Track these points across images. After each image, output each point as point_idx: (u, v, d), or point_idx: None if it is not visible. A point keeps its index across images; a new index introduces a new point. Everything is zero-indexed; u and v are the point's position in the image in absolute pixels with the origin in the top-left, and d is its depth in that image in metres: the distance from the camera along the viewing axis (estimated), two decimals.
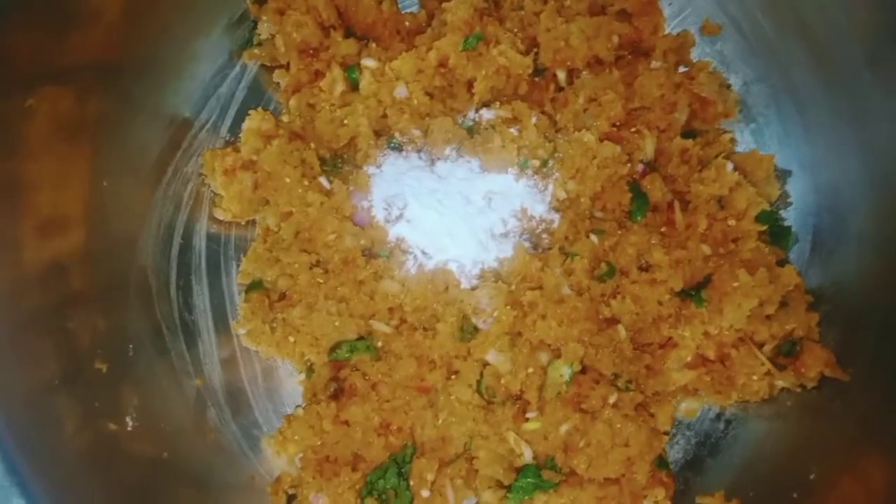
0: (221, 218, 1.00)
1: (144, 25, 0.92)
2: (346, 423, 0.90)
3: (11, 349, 0.69)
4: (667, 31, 1.10)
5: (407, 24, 1.07)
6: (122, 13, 0.89)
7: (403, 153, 1.01)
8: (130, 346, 0.86)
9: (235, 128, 1.03)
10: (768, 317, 0.96)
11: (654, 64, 1.07)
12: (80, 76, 0.86)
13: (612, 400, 0.90)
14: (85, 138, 0.88)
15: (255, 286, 0.96)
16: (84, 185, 0.87)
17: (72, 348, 0.77)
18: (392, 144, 1.01)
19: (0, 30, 0.75)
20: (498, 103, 1.03)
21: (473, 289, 0.93)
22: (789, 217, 1.05)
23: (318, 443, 0.90)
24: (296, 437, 0.90)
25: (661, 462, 0.93)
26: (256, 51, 1.04)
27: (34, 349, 0.72)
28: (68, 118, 0.85)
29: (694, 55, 1.10)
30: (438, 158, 1.00)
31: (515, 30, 1.04)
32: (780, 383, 0.96)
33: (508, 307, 0.91)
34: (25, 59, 0.79)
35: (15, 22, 0.77)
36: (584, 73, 1.06)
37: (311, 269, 0.94)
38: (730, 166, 1.00)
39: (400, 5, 1.09)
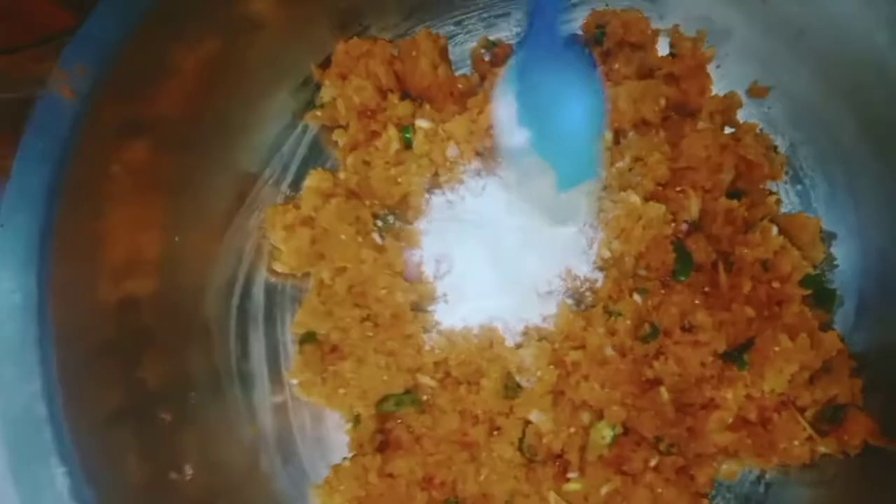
0: (280, 271, 1.05)
1: (217, 86, 0.98)
2: (391, 475, 0.93)
3: (90, 408, 0.74)
4: (714, 93, 1.12)
5: (460, 86, 1.11)
6: (198, 73, 0.95)
7: (453, 212, 1.04)
8: (192, 393, 0.91)
9: (296, 185, 1.09)
10: (811, 381, 0.96)
11: (701, 125, 1.09)
12: (158, 133, 0.92)
13: (653, 463, 0.91)
14: (160, 191, 0.93)
15: (308, 338, 1.00)
16: (158, 235, 0.93)
17: (140, 394, 0.82)
18: (442, 202, 1.05)
19: (94, 89, 0.82)
20: None
21: (517, 346, 0.96)
22: (834, 280, 1.06)
23: (363, 494, 0.93)
24: (341, 488, 0.93)
25: None
26: (318, 113, 1.10)
27: (108, 392, 0.77)
28: (146, 173, 0.91)
29: (740, 117, 1.12)
30: (486, 218, 1.03)
31: None
32: (822, 449, 0.96)
33: (552, 367, 0.93)
34: (108, 131, 0.85)
35: (106, 84, 0.84)
36: (630, 133, 1.08)
37: (362, 322, 0.98)
38: (775, 230, 1.01)
39: (453, 69, 1.13)
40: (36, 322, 0.71)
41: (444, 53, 1.10)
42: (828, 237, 1.07)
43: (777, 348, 0.93)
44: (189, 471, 0.82)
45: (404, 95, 1.10)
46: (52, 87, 0.78)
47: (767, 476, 1.01)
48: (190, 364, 0.93)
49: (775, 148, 1.11)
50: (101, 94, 0.82)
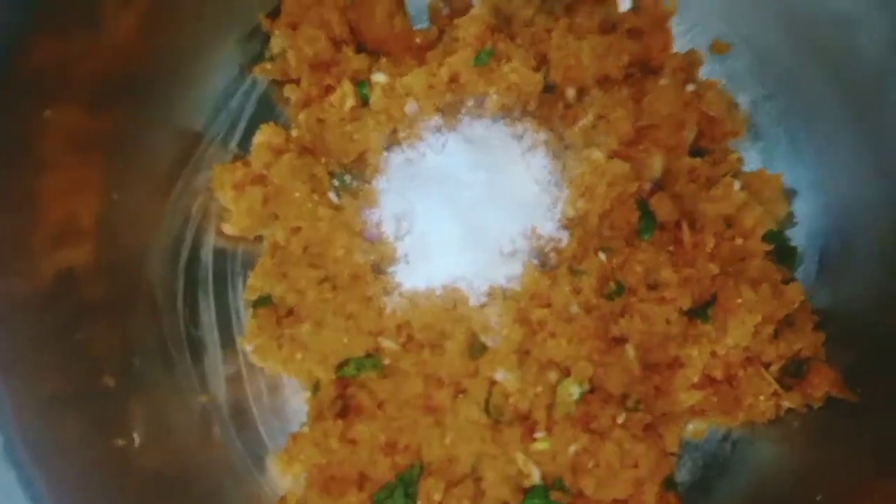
0: (230, 233, 0.99)
1: (156, 37, 0.92)
2: (353, 441, 0.90)
3: (24, 360, 0.69)
4: (676, 50, 1.11)
5: (418, 40, 1.07)
6: (135, 24, 0.89)
7: (413, 169, 1.00)
8: (137, 359, 0.85)
9: (245, 142, 1.03)
10: (775, 336, 0.96)
11: (663, 82, 1.07)
12: (93, 88, 0.85)
13: (620, 420, 0.89)
14: (96, 150, 0.87)
15: (262, 302, 0.95)
16: (95, 197, 0.87)
17: (81, 361, 0.77)
18: (401, 160, 1.01)
19: (17, 42, 0.75)
20: (509, 119, 1.03)
21: (482, 306, 0.93)
22: (797, 237, 1.06)
23: (324, 461, 0.89)
24: (301, 456, 0.89)
25: (669, 483, 0.92)
26: (268, 65, 1.04)
27: (46, 360, 0.72)
28: (80, 130, 0.85)
29: (702, 73, 1.11)
30: (448, 175, 0.99)
31: (526, 46, 1.04)
32: (786, 404, 0.96)
33: (517, 325, 0.91)
34: (41, 70, 0.78)
35: (32, 34, 0.77)
36: (593, 90, 1.06)
37: (319, 284, 0.93)
38: (737, 185, 1.01)
39: (411, 22, 1.09)
40: None
41: (400, 3, 1.05)
42: (790, 194, 1.07)
43: (739, 300, 0.93)
44: (137, 438, 0.77)
45: (360, 49, 1.05)
46: None
47: (733, 434, 1.01)
48: (134, 329, 0.88)
49: (737, 105, 1.10)
50: (28, 38, 0.75)
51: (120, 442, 0.76)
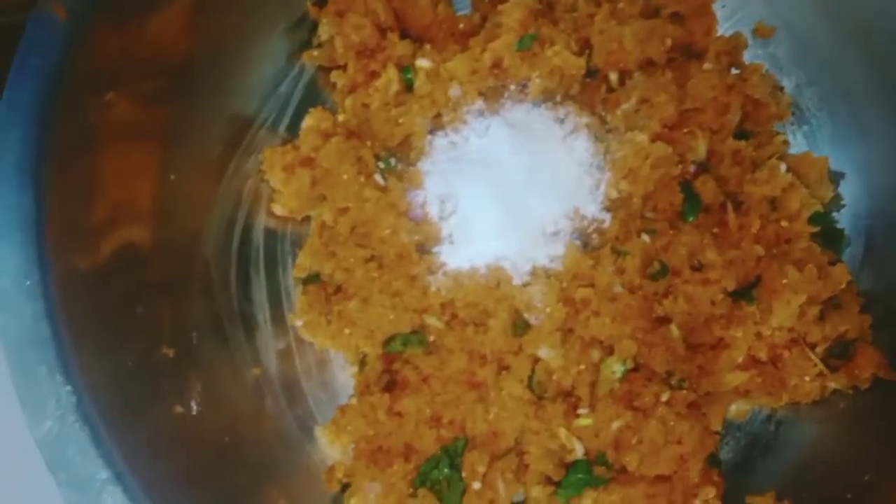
0: (279, 213, 1.02)
1: (207, 27, 0.96)
2: (399, 414, 0.92)
3: (90, 331, 0.72)
4: (719, 34, 1.11)
5: (461, 26, 1.09)
6: (186, 14, 0.92)
7: (457, 152, 1.02)
8: (194, 333, 0.88)
9: (293, 127, 1.06)
10: (821, 318, 0.95)
11: (707, 66, 1.07)
12: (149, 75, 0.89)
13: (664, 398, 0.90)
14: (153, 134, 0.91)
15: (311, 279, 0.98)
16: (153, 180, 0.91)
17: (141, 332, 0.80)
18: (445, 143, 1.03)
19: (79, 27, 0.79)
20: (551, 103, 1.04)
21: (525, 285, 0.94)
22: (842, 220, 1.05)
23: (371, 433, 0.91)
24: (349, 427, 0.92)
25: (713, 460, 0.92)
26: (315, 52, 1.07)
27: (110, 331, 0.75)
28: (139, 115, 0.89)
29: (746, 58, 1.10)
30: (491, 158, 1.01)
31: (569, 31, 1.06)
32: (832, 385, 0.95)
33: (560, 304, 0.92)
34: (103, 57, 0.82)
35: (92, 20, 0.81)
36: (636, 74, 1.07)
37: (366, 263, 0.96)
38: (783, 167, 1.00)
39: (454, 8, 1.11)
40: (34, 243, 0.69)
41: None
42: (836, 177, 1.06)
43: (785, 281, 0.92)
44: (195, 406, 0.80)
45: (404, 35, 1.07)
46: (43, 7, 0.74)
47: (777, 415, 1.00)
48: (191, 306, 0.91)
49: (782, 88, 1.10)
50: (94, 17, 0.79)
51: (179, 409, 0.80)
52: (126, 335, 0.77)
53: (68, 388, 0.65)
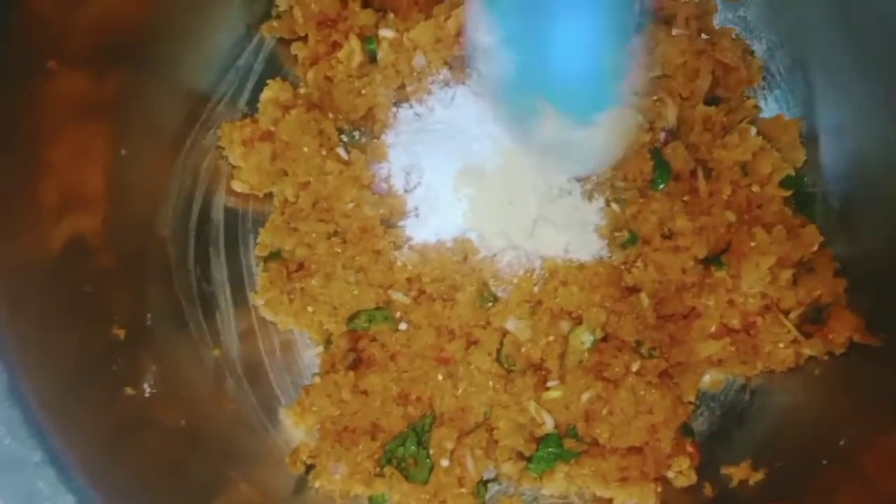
0: (239, 190, 0.99)
1: None
2: (365, 392, 0.89)
3: (32, 309, 0.69)
4: None
5: None
6: None
7: (421, 123, 1.00)
8: (149, 314, 0.86)
9: (253, 101, 1.02)
10: (794, 283, 0.94)
11: (676, 31, 1.05)
12: (97, 44, 0.86)
13: (634, 367, 0.88)
14: (103, 109, 0.87)
15: (273, 256, 0.96)
16: (104, 157, 0.87)
17: (89, 312, 0.77)
18: (410, 115, 1.00)
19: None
20: None
21: (493, 257, 0.92)
22: (816, 184, 1.03)
23: (337, 413, 0.89)
24: (314, 408, 0.89)
25: (686, 430, 0.91)
26: (275, 23, 1.04)
27: (53, 308, 0.72)
28: (86, 87, 0.85)
29: (716, 22, 1.08)
30: (456, 128, 0.98)
31: None
32: (807, 351, 0.94)
33: (527, 274, 0.90)
34: (44, 29, 0.78)
35: None
36: None
37: (328, 238, 0.93)
38: (753, 131, 0.99)
39: None
40: None
41: None
42: (808, 142, 1.04)
43: (753, 243, 0.91)
44: (147, 388, 0.77)
45: (366, 4, 1.04)
46: None
47: (752, 384, 0.99)
48: (145, 286, 0.88)
49: (752, 52, 1.08)
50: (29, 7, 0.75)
51: (129, 391, 0.77)
52: (71, 313, 0.74)
53: None
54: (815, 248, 0.93)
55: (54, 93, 0.81)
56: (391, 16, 1.03)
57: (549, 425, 0.89)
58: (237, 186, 0.99)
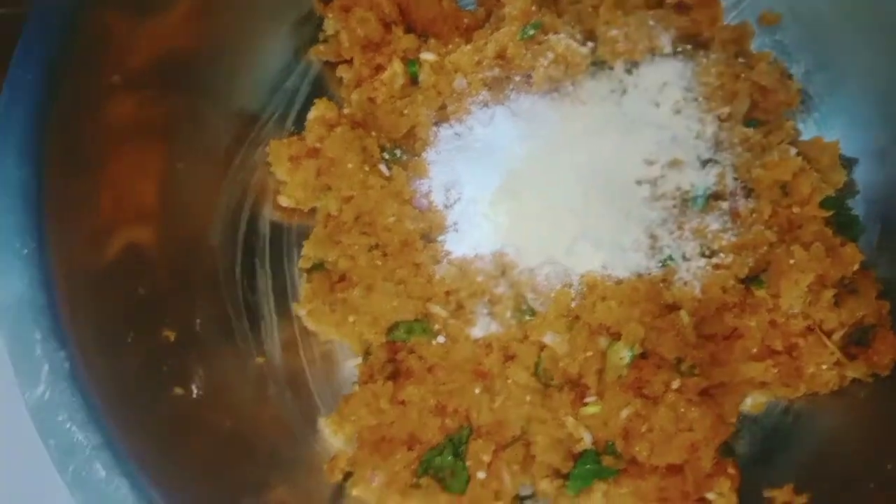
0: (285, 205, 1.02)
1: (215, 20, 0.98)
2: (403, 403, 0.90)
3: (91, 305, 0.72)
4: (725, 23, 1.10)
5: (466, 20, 1.09)
6: (195, 7, 0.94)
7: (461, 142, 1.02)
8: (198, 320, 0.88)
9: (300, 121, 1.07)
10: (837, 304, 0.92)
11: (714, 55, 1.07)
12: (159, 67, 0.91)
13: (675, 385, 0.87)
14: (161, 127, 0.92)
15: (316, 268, 0.98)
16: (159, 171, 0.92)
17: (142, 313, 0.80)
18: (450, 134, 1.03)
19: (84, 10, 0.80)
20: (556, 94, 1.04)
21: (531, 270, 0.93)
22: (857, 206, 1.02)
23: (375, 422, 0.90)
24: (352, 417, 0.90)
25: (726, 450, 0.89)
26: (321, 47, 1.08)
27: (109, 307, 0.75)
28: (146, 107, 0.90)
29: (753, 46, 1.10)
30: (495, 146, 1.01)
31: (573, 23, 1.06)
32: (850, 373, 0.92)
33: (566, 288, 0.90)
34: (111, 47, 0.84)
35: (99, 13, 0.83)
36: (642, 66, 1.06)
37: (370, 251, 0.95)
38: (793, 151, 0.99)
39: (459, 3, 1.12)
40: (34, 213, 0.69)
41: None
42: (849, 163, 1.04)
43: (792, 261, 0.90)
44: (195, 390, 0.80)
45: (409, 30, 1.08)
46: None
47: (795, 406, 0.97)
48: (195, 292, 0.91)
49: (790, 75, 1.09)
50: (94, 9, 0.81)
51: (178, 391, 0.79)
52: (126, 312, 0.78)
53: (62, 353, 0.65)
54: (856, 267, 0.91)
55: (116, 110, 0.86)
56: (432, 40, 1.07)
57: (587, 441, 0.88)
58: (283, 201, 1.02)
